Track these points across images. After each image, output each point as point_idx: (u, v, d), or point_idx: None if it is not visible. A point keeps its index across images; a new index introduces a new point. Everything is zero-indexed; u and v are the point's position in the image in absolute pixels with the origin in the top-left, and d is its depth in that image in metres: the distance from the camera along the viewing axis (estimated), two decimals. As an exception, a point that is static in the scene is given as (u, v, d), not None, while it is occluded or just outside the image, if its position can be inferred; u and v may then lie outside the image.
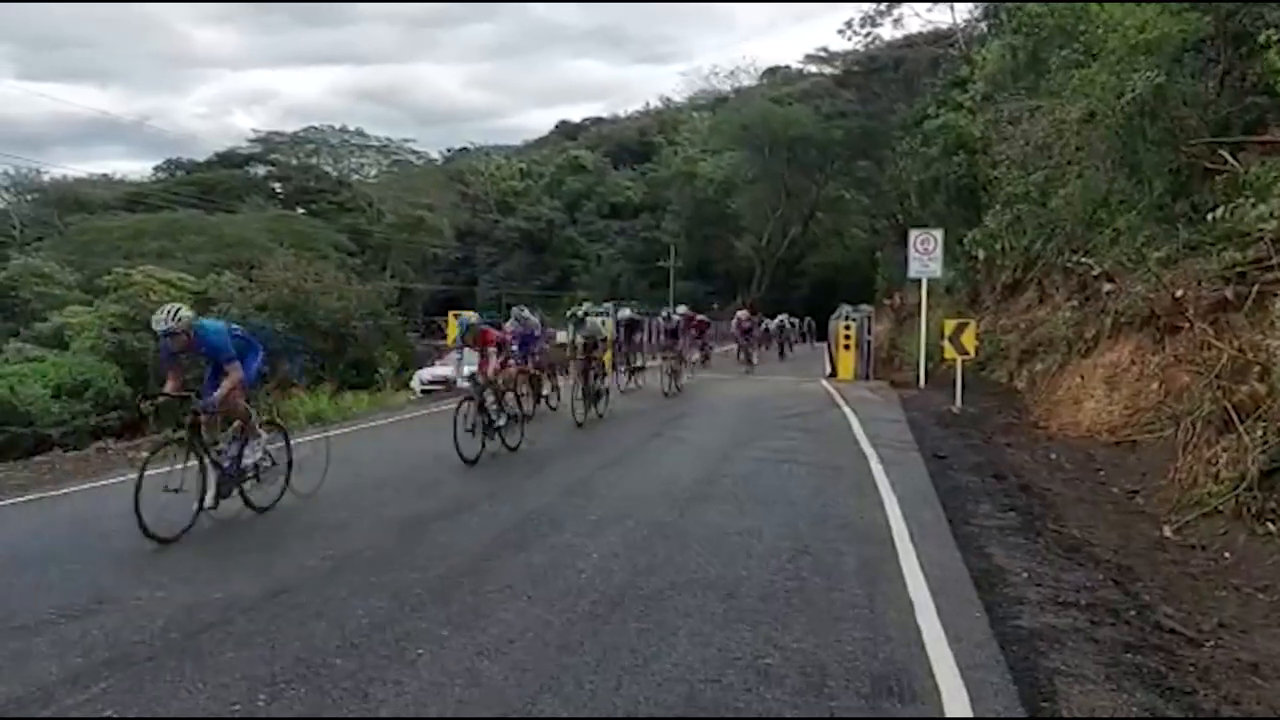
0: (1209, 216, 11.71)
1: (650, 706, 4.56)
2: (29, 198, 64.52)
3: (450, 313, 23.83)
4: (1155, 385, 12.43)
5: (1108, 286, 14.91)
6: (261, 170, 74.81)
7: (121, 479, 9.52)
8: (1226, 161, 12.84)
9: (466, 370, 12.35)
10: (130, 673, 4.89)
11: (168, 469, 7.50)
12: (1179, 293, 11.87)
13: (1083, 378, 15.14)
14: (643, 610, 5.94)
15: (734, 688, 4.79)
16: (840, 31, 46.91)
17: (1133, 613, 6.25)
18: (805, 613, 5.96)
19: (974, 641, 5.48)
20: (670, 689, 4.75)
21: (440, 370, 26.31)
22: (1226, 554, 7.84)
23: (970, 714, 4.56)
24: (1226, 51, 14.23)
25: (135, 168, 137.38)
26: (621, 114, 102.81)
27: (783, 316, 42.83)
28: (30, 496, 9.76)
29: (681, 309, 27.83)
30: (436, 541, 7.68)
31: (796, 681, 4.88)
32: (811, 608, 6.07)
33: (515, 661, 5.08)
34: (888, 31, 48.59)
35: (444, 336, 27.13)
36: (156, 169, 79.48)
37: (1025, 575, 6.92)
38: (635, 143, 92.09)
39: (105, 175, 74.72)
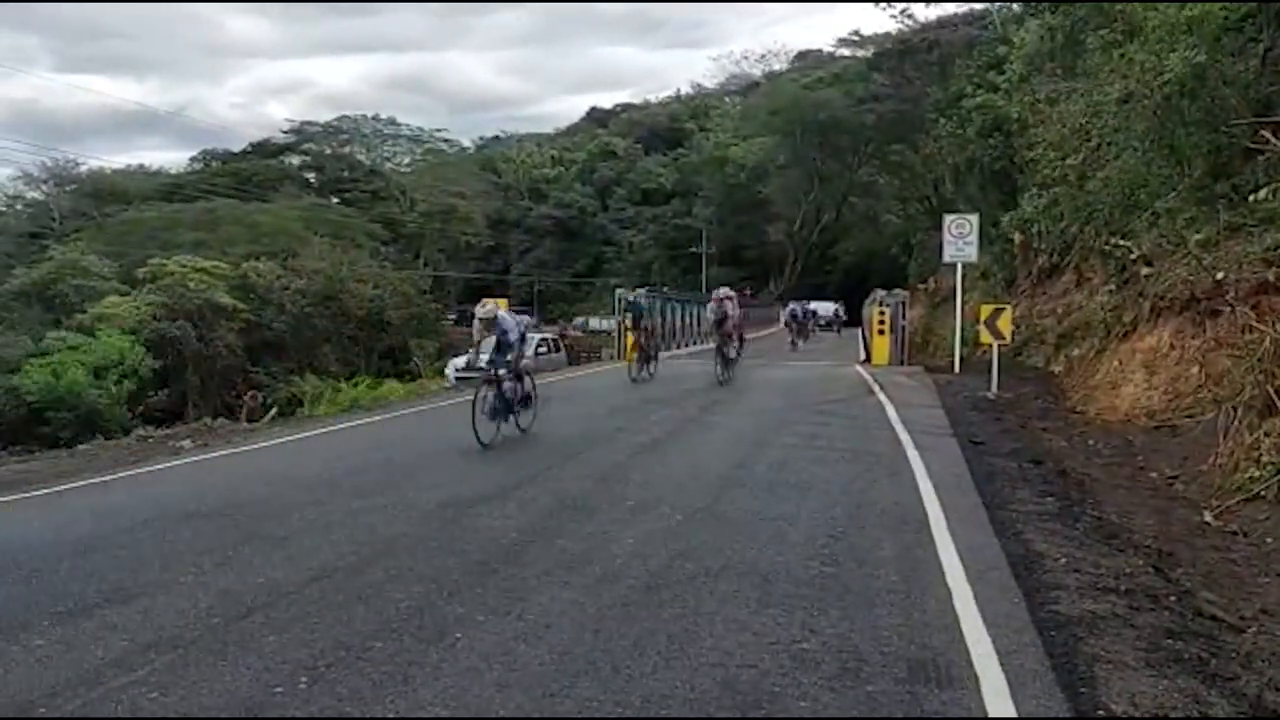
0: (1250, 198, 11.52)
1: (687, 690, 4.58)
2: (67, 189, 65.36)
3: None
4: (1195, 369, 12.25)
5: (1146, 270, 14.68)
6: (295, 160, 75.58)
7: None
8: (1268, 142, 12.60)
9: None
10: (175, 655, 4.98)
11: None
12: (1220, 275, 11.69)
13: (1121, 362, 14.95)
14: (678, 595, 5.96)
15: (770, 672, 4.80)
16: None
17: (1173, 599, 6.19)
18: (841, 598, 5.96)
19: (1012, 627, 5.45)
20: (707, 673, 4.76)
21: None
22: (1269, 540, 7.74)
23: (1008, 698, 4.54)
24: (1268, 30, 13.95)
25: (171, 158, 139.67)
26: (653, 100, 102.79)
27: (795, 305, 42.44)
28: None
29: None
30: (475, 526, 7.74)
31: (833, 666, 4.88)
32: (848, 593, 6.06)
33: (552, 645, 5.12)
34: (922, 10, 48.19)
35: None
36: (192, 160, 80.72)
37: (1063, 561, 6.86)
38: (666, 129, 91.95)
39: (141, 166, 75.86)
